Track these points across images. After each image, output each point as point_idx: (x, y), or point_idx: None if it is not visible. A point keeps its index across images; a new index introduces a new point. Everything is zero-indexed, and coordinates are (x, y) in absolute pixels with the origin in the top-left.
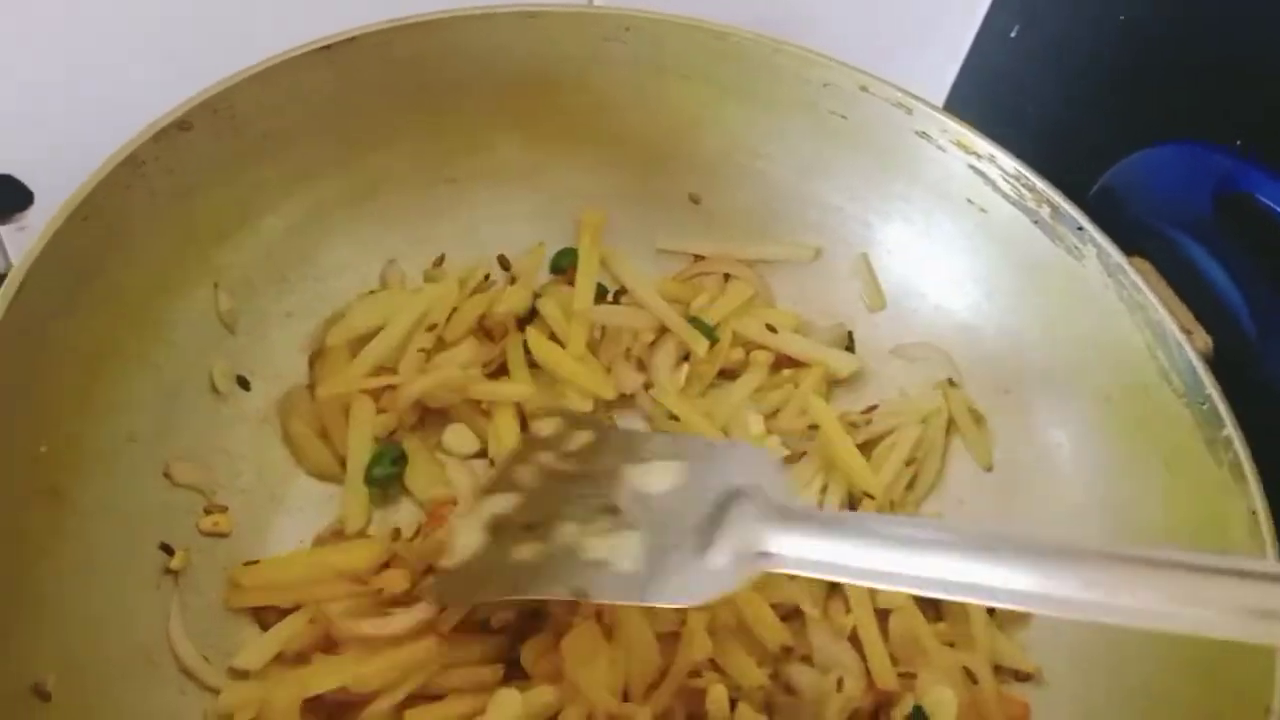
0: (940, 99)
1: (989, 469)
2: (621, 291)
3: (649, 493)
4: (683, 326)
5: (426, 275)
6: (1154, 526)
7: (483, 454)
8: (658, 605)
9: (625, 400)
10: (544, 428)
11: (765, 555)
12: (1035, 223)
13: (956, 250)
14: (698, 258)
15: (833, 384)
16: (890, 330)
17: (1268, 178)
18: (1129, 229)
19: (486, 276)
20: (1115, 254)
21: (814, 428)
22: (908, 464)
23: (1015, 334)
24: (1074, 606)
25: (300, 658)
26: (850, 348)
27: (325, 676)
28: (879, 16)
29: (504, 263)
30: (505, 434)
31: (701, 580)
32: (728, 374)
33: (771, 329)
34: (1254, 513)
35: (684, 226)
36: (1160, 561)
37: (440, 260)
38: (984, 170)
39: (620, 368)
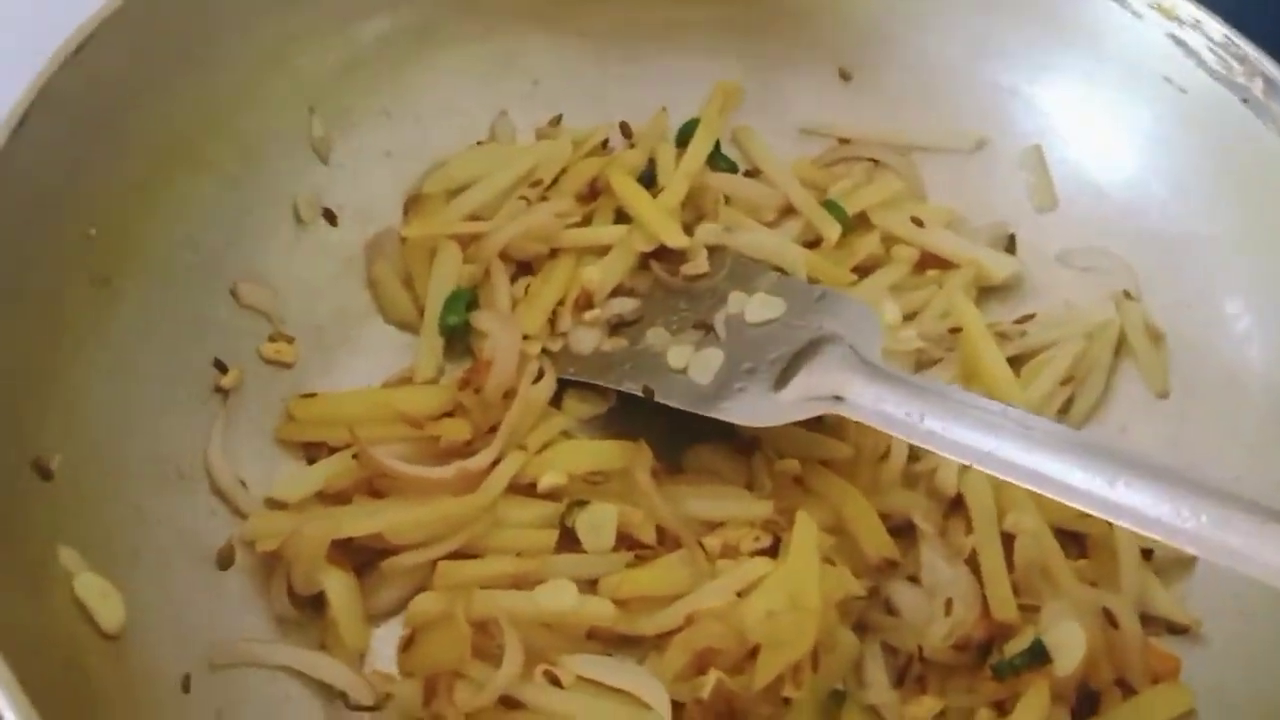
0: None
1: (1163, 395)
2: (753, 172)
3: (746, 320)
4: (812, 207)
5: (539, 133)
6: None
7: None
8: (717, 417)
9: None
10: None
11: (839, 400)
12: (1245, 101)
13: (1146, 140)
14: (843, 141)
15: (986, 290)
16: (1059, 233)
17: None
18: None
19: (605, 142)
20: None
21: (956, 331)
22: (1063, 383)
23: (1209, 239)
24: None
25: (340, 499)
26: (1010, 250)
27: (361, 519)
28: None
29: (625, 130)
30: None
31: (769, 408)
32: (863, 272)
33: (918, 223)
34: None
35: (830, 105)
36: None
37: (557, 120)
38: (1186, 40)
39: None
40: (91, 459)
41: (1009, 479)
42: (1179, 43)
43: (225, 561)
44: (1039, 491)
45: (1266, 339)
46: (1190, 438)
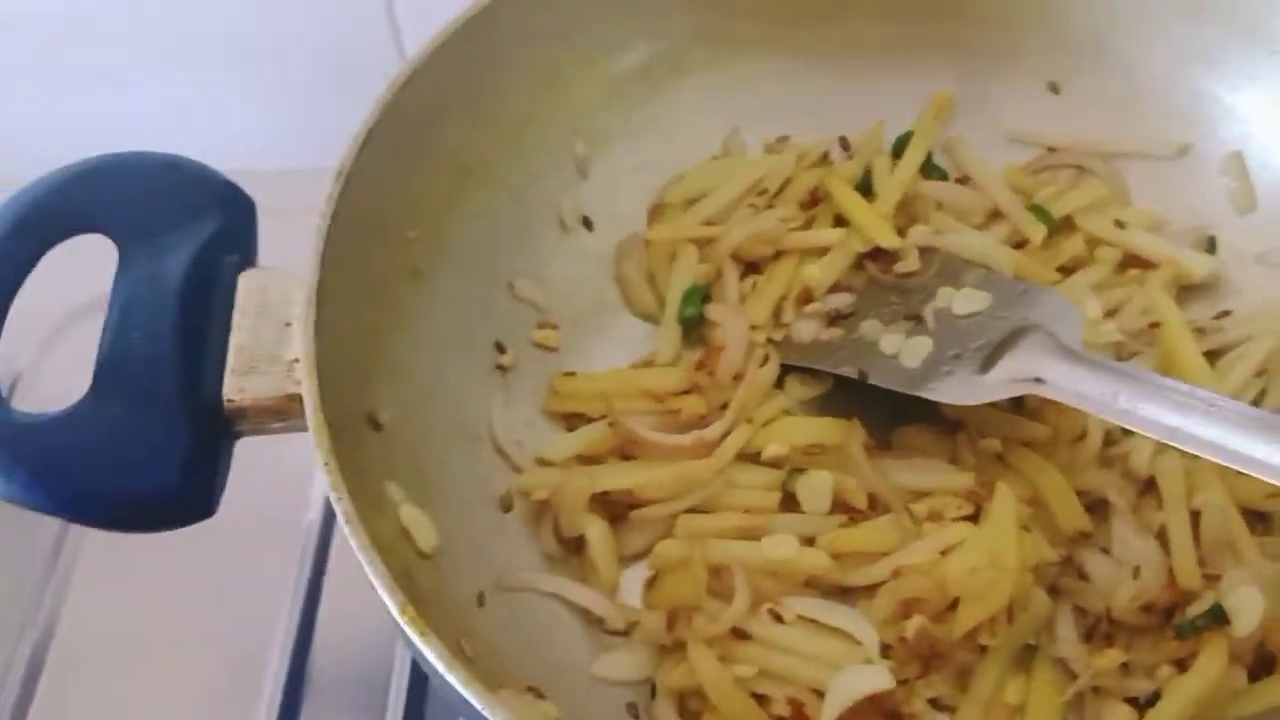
0: None
1: None
2: (964, 180)
3: (954, 312)
4: (1018, 210)
5: (767, 147)
6: None
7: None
8: (924, 397)
9: None
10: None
11: (1039, 381)
12: None
13: None
14: (1050, 149)
15: (1186, 289)
16: (1259, 235)
17: None
18: None
19: (826, 155)
20: None
21: (1155, 327)
22: (1257, 374)
23: None
24: None
25: (596, 460)
26: (1211, 251)
27: (616, 476)
28: None
29: (844, 144)
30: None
31: (973, 389)
32: (1067, 272)
33: (1121, 225)
34: None
35: (1039, 116)
36: None
37: (784, 137)
38: None
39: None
40: (409, 416)
41: (1196, 452)
42: None
43: (506, 505)
44: (1223, 463)
45: None
46: None
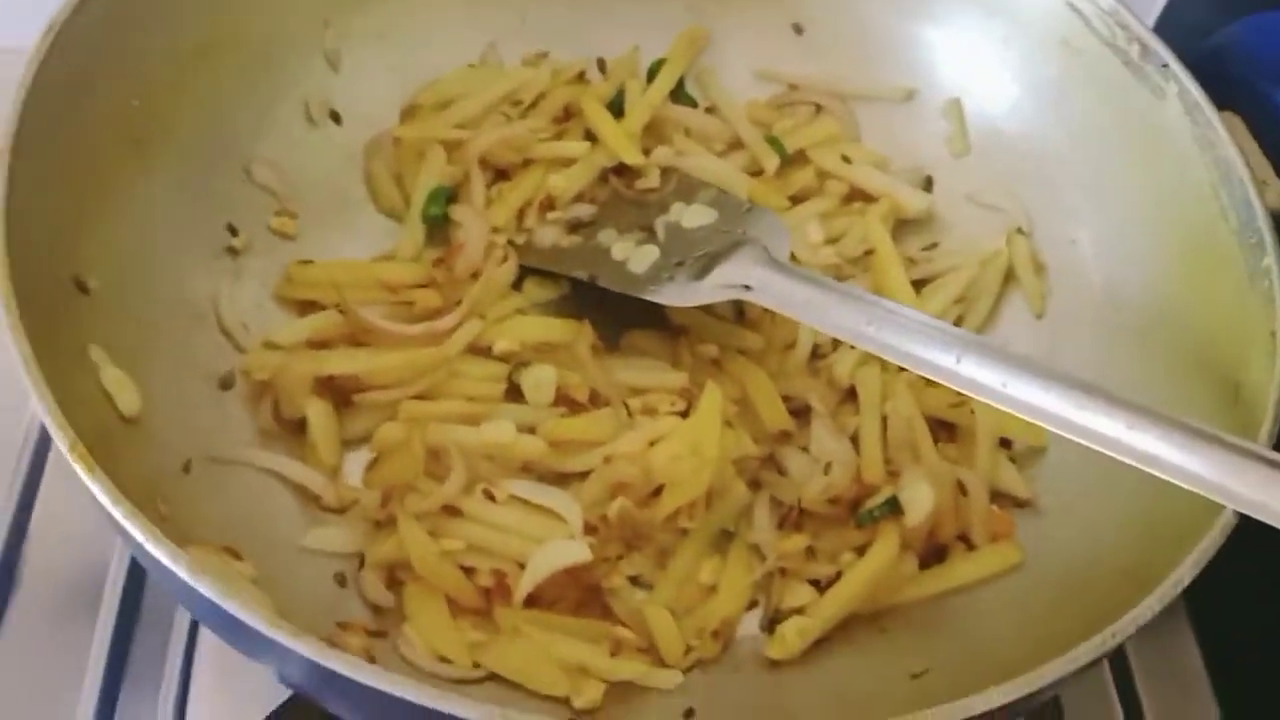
0: None
1: (1040, 316)
2: (712, 109)
3: (682, 225)
4: (756, 140)
5: (525, 61)
6: (1182, 343)
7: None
8: (646, 298)
9: None
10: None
11: (747, 288)
12: (1125, 63)
13: (1048, 95)
14: (792, 87)
15: (902, 223)
16: (970, 177)
17: None
18: (1230, 85)
19: (582, 74)
20: (1196, 92)
21: (870, 254)
22: (956, 301)
23: (1094, 184)
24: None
25: (325, 347)
26: (927, 189)
27: (342, 361)
28: None
29: (601, 66)
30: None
31: (689, 292)
32: (797, 200)
33: (848, 160)
34: (1273, 334)
35: (784, 55)
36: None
37: (543, 55)
38: (1080, 7)
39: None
40: (122, 285)
41: (877, 352)
42: (1074, 9)
43: (226, 384)
44: (899, 364)
45: (1128, 262)
46: (1060, 353)
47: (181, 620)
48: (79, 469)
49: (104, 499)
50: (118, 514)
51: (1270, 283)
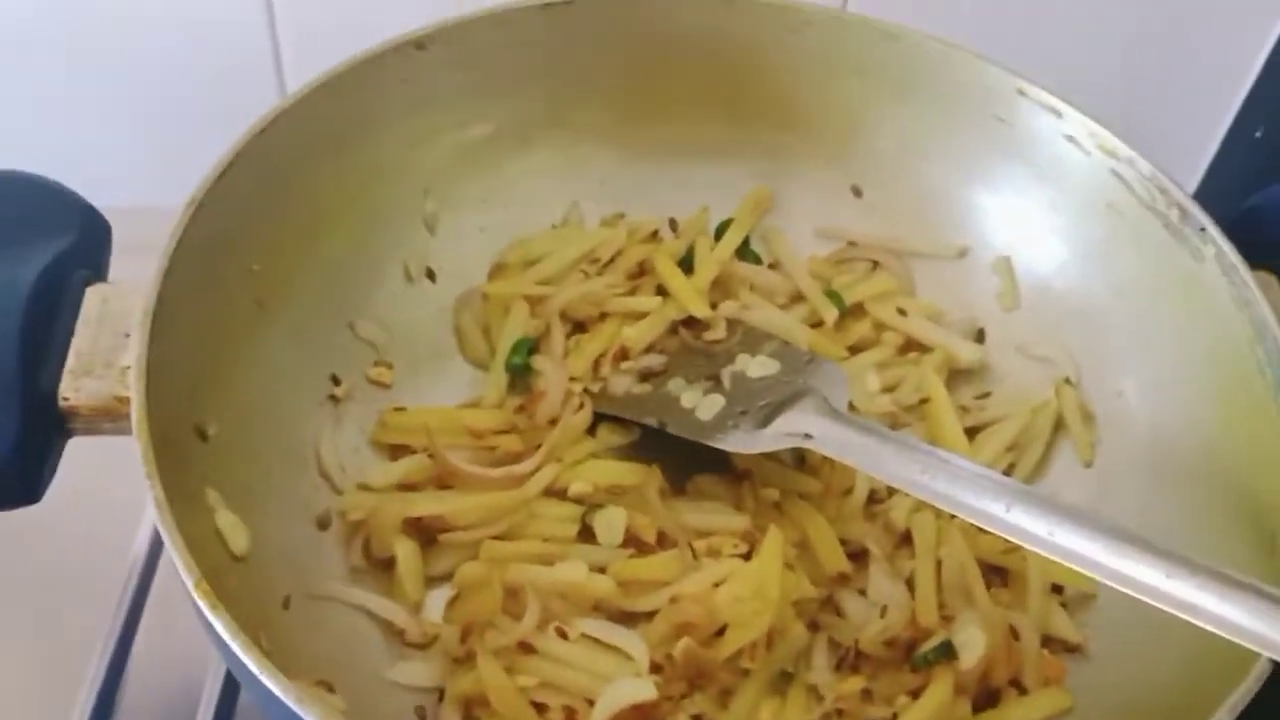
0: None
1: (1089, 464)
2: (775, 265)
3: (748, 375)
4: (816, 293)
5: (603, 221)
6: (1223, 492)
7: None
8: (712, 445)
9: None
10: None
11: (808, 436)
12: (1165, 226)
13: (1093, 254)
14: (851, 244)
15: (956, 373)
16: (1021, 330)
17: None
18: (1266, 246)
19: (655, 232)
20: (1232, 254)
21: (925, 402)
22: (1008, 449)
23: (1139, 338)
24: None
25: (415, 489)
26: (979, 341)
27: (429, 502)
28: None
29: (673, 225)
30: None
31: (753, 440)
32: (855, 351)
33: (903, 313)
34: None
35: (843, 214)
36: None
37: (620, 216)
38: (1123, 174)
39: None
40: (236, 432)
41: (933, 502)
42: (1118, 176)
43: (324, 524)
44: (957, 514)
45: (1173, 417)
46: (1108, 500)
47: None
48: (203, 605)
49: (223, 633)
50: (235, 646)
51: None
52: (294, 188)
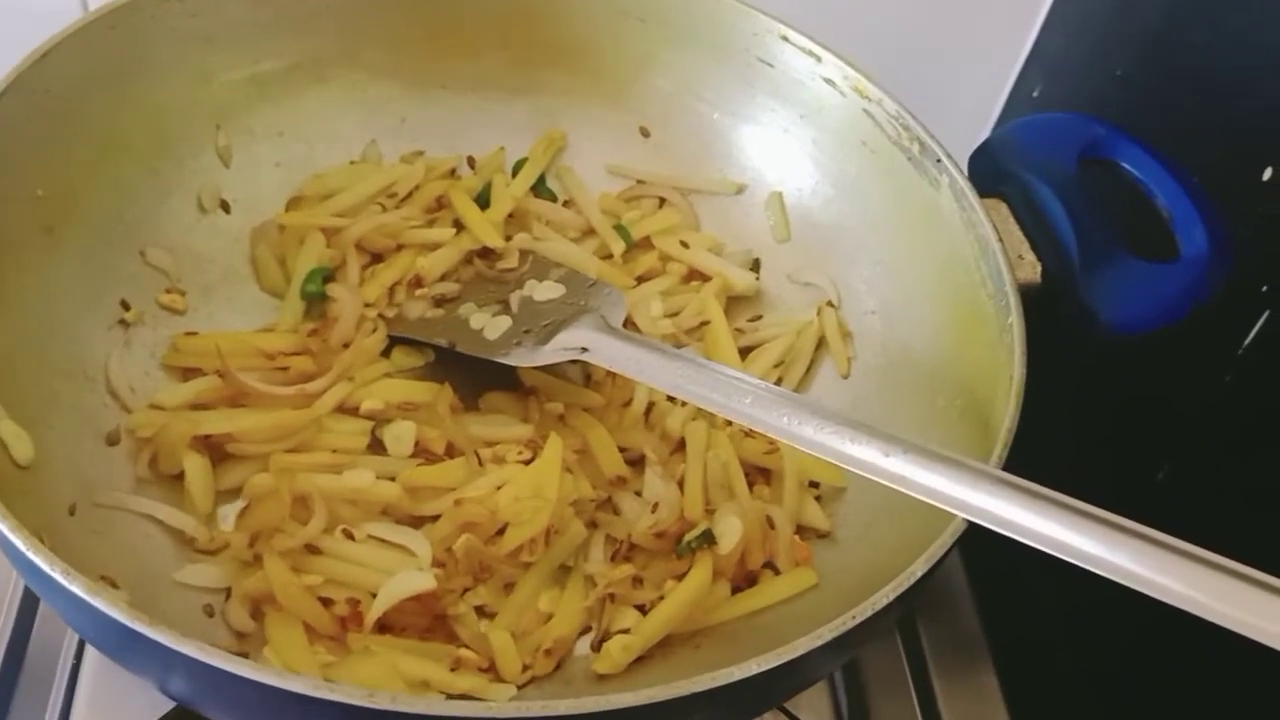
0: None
1: (845, 376)
2: (570, 203)
3: (534, 299)
4: (605, 228)
5: (402, 159)
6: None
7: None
8: (497, 360)
9: None
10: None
11: (584, 350)
12: (909, 159)
13: (850, 189)
14: (639, 182)
15: (734, 300)
16: (790, 260)
17: (1132, 143)
18: (998, 177)
19: (453, 170)
20: (962, 181)
21: (705, 325)
22: (775, 365)
23: (887, 262)
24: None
25: (205, 409)
26: (755, 270)
27: (218, 421)
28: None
29: (471, 162)
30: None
31: (534, 355)
32: (642, 280)
33: (686, 245)
34: (1011, 378)
35: (632, 153)
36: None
37: (419, 153)
38: (873, 113)
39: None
40: (19, 347)
41: (690, 400)
42: (869, 115)
43: (113, 440)
44: (717, 412)
45: (896, 332)
46: (862, 407)
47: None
48: None
49: (5, 530)
50: (17, 541)
51: (1012, 338)
52: (79, 117)
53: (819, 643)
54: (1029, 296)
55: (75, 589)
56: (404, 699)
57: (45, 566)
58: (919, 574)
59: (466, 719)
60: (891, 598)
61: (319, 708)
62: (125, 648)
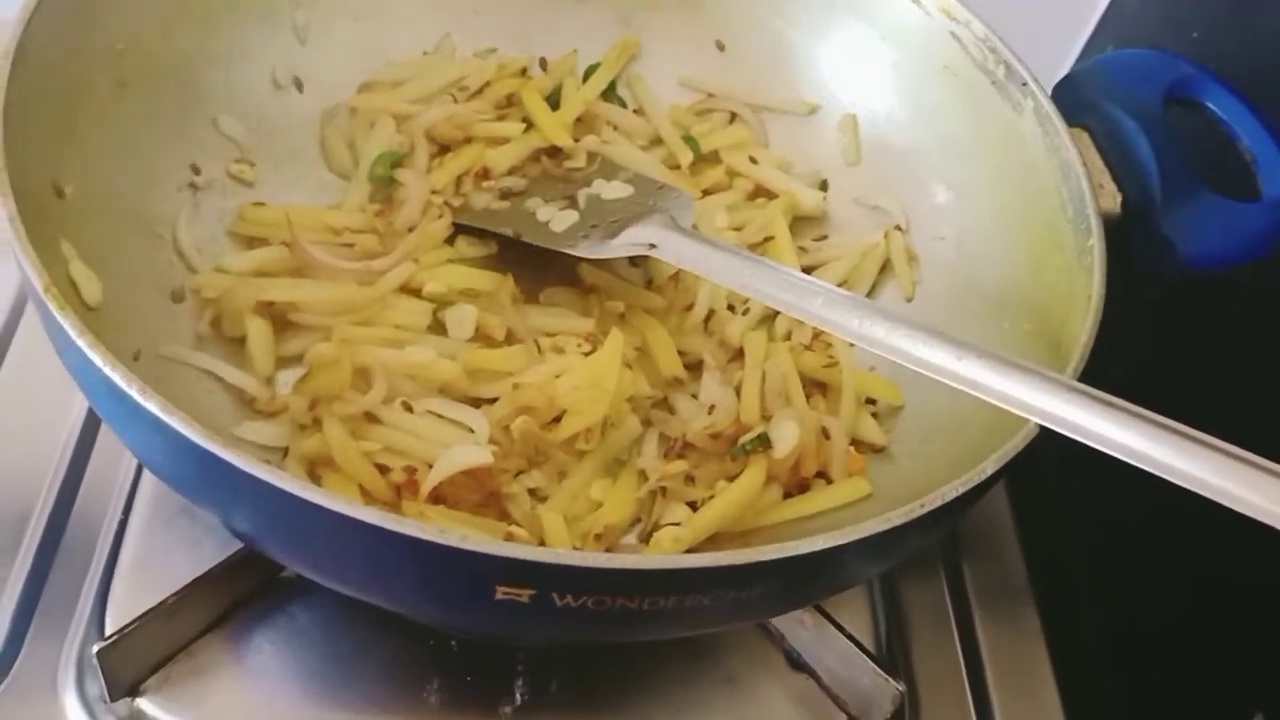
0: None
1: (909, 300)
2: (639, 111)
3: (602, 197)
4: (674, 138)
5: (476, 54)
6: (1024, 316)
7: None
8: (563, 250)
9: None
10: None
11: (653, 246)
12: (992, 83)
13: (930, 113)
14: (710, 95)
15: (800, 219)
16: (860, 183)
17: (1218, 85)
18: (1081, 108)
19: (525, 70)
20: (1047, 104)
21: (769, 240)
22: (838, 285)
23: (961, 187)
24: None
25: (270, 277)
26: (823, 190)
27: (284, 289)
28: None
29: (543, 64)
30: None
31: (601, 248)
32: (709, 194)
33: (754, 161)
34: (1089, 298)
35: (706, 67)
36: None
37: (492, 50)
38: (959, 35)
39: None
40: (93, 196)
41: (760, 299)
42: (955, 37)
43: (178, 297)
44: (771, 305)
45: (966, 258)
46: None
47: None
48: (50, 305)
49: (69, 330)
50: (95, 357)
51: (1091, 259)
52: None
53: (886, 526)
54: (1108, 226)
55: (152, 407)
56: (474, 539)
57: (123, 384)
58: (989, 471)
59: (537, 563)
60: (962, 490)
61: (388, 541)
62: (194, 476)
